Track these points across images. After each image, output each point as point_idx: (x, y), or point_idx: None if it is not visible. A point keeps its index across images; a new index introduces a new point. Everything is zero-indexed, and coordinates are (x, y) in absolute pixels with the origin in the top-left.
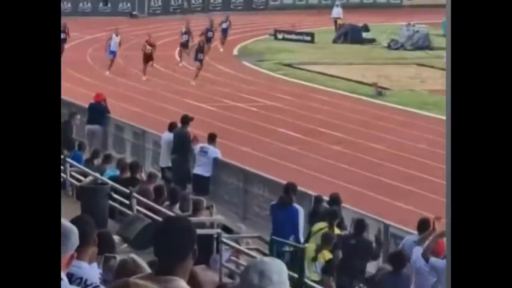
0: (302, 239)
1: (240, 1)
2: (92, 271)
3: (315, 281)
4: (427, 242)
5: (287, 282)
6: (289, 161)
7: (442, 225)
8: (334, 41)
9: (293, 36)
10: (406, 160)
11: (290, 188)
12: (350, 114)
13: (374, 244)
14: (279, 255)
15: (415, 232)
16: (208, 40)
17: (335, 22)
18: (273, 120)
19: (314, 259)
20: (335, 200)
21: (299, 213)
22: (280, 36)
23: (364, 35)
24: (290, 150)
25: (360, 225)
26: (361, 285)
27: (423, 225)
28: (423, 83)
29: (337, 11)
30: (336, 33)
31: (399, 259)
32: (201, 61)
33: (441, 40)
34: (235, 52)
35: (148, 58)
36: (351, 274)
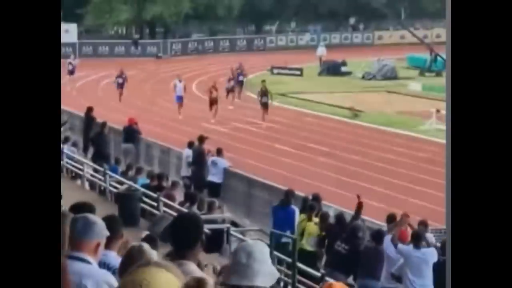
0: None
1: (243, 44)
2: (116, 259)
3: (310, 251)
4: (394, 231)
5: (269, 261)
6: (284, 170)
7: (408, 220)
8: (319, 74)
9: (286, 71)
10: (378, 167)
11: (289, 193)
12: (333, 132)
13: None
14: (278, 245)
15: (385, 224)
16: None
17: (320, 59)
18: (272, 138)
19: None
20: (316, 198)
21: (296, 213)
22: (275, 71)
23: (343, 69)
24: (285, 162)
25: (341, 218)
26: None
27: (391, 219)
28: (391, 106)
29: (321, 50)
30: (321, 67)
31: (378, 236)
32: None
33: (405, 71)
34: None
35: (213, 101)
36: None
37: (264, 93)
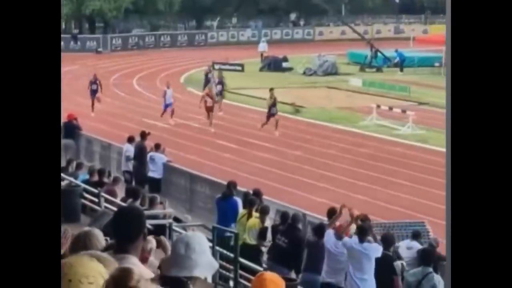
0: None
1: (184, 39)
2: None
3: (252, 244)
4: (344, 226)
5: (208, 251)
6: (226, 166)
7: (347, 212)
8: (260, 70)
9: (227, 67)
10: (320, 163)
11: (231, 185)
12: (274, 128)
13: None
14: (221, 239)
15: (325, 218)
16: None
17: (261, 54)
18: (213, 134)
19: (252, 227)
20: (257, 193)
21: (238, 204)
22: (216, 66)
23: (284, 64)
24: (226, 157)
25: (290, 217)
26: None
27: (331, 213)
28: (332, 102)
29: (262, 46)
30: (262, 63)
31: (319, 230)
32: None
33: (346, 67)
34: (181, 80)
35: (209, 109)
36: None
37: (272, 103)
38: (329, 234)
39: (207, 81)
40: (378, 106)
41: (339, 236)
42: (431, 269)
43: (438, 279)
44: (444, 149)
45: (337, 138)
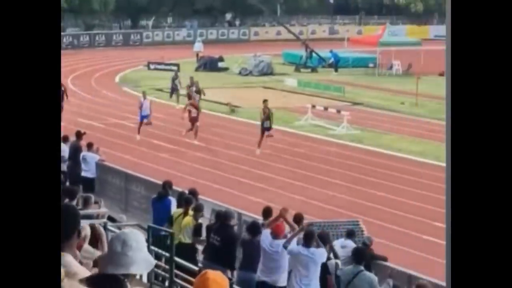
0: None
1: (120, 39)
2: None
3: (187, 243)
4: (272, 225)
5: (145, 248)
6: (161, 166)
7: (287, 214)
8: (196, 70)
9: (163, 66)
10: (256, 163)
11: (166, 184)
12: (210, 128)
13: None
14: (156, 239)
15: (260, 217)
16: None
17: (197, 54)
18: (149, 133)
19: (187, 225)
20: (192, 192)
21: (172, 204)
22: (152, 66)
23: (220, 64)
24: (162, 157)
25: (222, 215)
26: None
27: (267, 213)
28: (268, 101)
29: (198, 46)
30: (198, 63)
31: (253, 228)
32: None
33: (281, 67)
34: (116, 80)
35: (194, 120)
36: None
37: (266, 117)
38: (266, 233)
39: (173, 87)
40: (313, 106)
41: (275, 236)
42: (362, 267)
43: (370, 276)
44: (377, 149)
45: (273, 138)
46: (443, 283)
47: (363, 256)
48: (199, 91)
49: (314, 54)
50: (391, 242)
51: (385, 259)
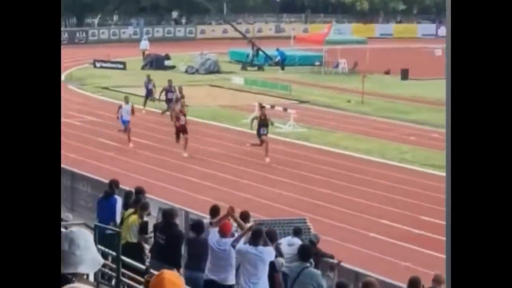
0: (118, 221)
1: (65, 37)
2: None
3: (134, 243)
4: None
5: (93, 247)
6: (107, 164)
7: (234, 212)
8: (142, 68)
9: (109, 65)
10: (203, 161)
11: (112, 183)
12: (155, 126)
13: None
14: (103, 237)
15: (208, 216)
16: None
17: (143, 53)
18: (94, 132)
19: (132, 223)
20: (139, 191)
21: (117, 202)
22: (98, 65)
23: (166, 62)
24: (108, 155)
25: (167, 213)
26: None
27: (214, 211)
28: (214, 100)
29: (144, 44)
30: (144, 61)
31: (198, 227)
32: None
33: (228, 65)
34: (62, 78)
35: (182, 129)
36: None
37: (262, 123)
38: (214, 232)
39: (148, 92)
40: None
41: (223, 234)
42: (308, 264)
43: (314, 272)
44: (323, 147)
45: (220, 136)
46: (390, 280)
47: (309, 253)
48: (182, 96)
49: (260, 53)
50: (338, 240)
51: (331, 257)
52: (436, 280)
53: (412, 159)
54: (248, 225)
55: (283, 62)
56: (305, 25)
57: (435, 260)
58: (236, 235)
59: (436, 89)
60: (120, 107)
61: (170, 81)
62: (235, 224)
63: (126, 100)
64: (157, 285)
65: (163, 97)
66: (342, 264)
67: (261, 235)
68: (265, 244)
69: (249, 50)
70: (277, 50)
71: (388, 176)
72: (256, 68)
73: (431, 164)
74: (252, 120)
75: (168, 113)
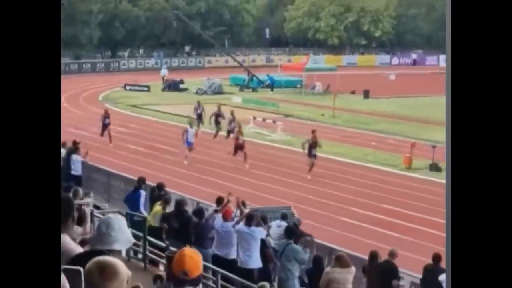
0: (144, 211)
1: (102, 66)
2: None
3: (156, 226)
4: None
5: (126, 229)
6: (137, 165)
7: (233, 198)
8: (162, 90)
9: (136, 88)
10: (209, 163)
11: (140, 180)
12: (174, 135)
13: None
14: (132, 223)
15: (214, 204)
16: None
17: (163, 78)
18: (128, 140)
19: (157, 213)
20: (160, 186)
21: (142, 195)
22: (128, 88)
23: (181, 86)
24: (138, 159)
25: (179, 203)
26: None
27: (219, 201)
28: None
29: (164, 71)
30: (163, 85)
31: (198, 213)
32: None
33: (229, 88)
34: (100, 98)
35: (241, 147)
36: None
37: (313, 144)
38: (218, 217)
39: (198, 117)
40: (255, 118)
41: (225, 219)
42: (292, 241)
43: (295, 247)
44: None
45: (223, 142)
46: (356, 254)
47: (293, 232)
48: (234, 118)
49: (254, 78)
50: (316, 223)
51: (310, 236)
52: (391, 254)
53: (373, 159)
54: (246, 211)
55: (272, 85)
56: (289, 56)
57: (391, 238)
58: (236, 219)
59: (391, 105)
60: (185, 130)
61: (219, 106)
62: (235, 211)
63: (191, 125)
64: (179, 260)
65: (212, 120)
66: (319, 241)
67: (253, 218)
68: (258, 225)
69: (245, 76)
70: (268, 75)
71: (355, 173)
72: (251, 90)
73: (388, 163)
74: (304, 143)
75: (220, 135)
